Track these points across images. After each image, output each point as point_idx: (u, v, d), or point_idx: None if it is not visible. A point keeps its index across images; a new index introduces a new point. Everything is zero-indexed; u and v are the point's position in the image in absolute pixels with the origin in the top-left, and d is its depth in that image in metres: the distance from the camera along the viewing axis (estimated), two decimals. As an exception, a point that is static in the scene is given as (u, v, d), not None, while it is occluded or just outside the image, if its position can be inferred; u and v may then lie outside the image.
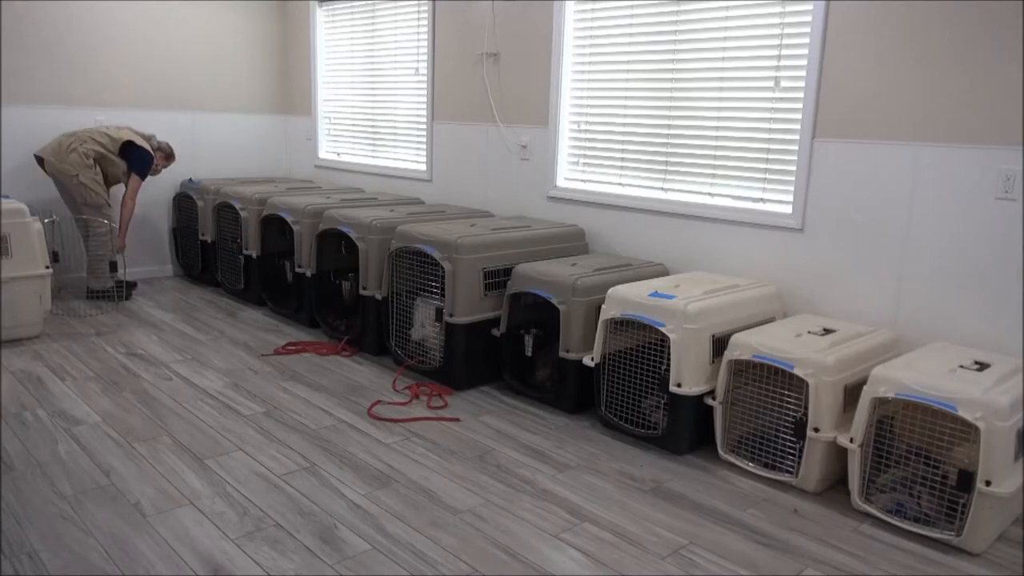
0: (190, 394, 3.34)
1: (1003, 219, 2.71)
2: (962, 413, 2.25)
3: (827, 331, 2.84)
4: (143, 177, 4.78)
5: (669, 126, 3.66)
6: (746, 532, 2.39)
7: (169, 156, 5.01)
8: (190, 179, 5.37)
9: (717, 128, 3.47)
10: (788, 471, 2.69)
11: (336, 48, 5.59)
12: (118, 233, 4.75)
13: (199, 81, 5.57)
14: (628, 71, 3.79)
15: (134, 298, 4.92)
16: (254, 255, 4.70)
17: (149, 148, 4.78)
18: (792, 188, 3.24)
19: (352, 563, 2.14)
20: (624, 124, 3.85)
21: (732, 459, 2.83)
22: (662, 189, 3.73)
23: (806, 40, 3.13)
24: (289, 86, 6.05)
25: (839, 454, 2.62)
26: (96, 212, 4.61)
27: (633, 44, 3.75)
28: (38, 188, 4.95)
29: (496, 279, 3.51)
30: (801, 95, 3.17)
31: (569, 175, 4.16)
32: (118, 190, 5.03)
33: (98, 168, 4.62)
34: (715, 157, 3.50)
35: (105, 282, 4.76)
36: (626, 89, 3.81)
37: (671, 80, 3.62)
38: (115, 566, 2.09)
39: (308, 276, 4.29)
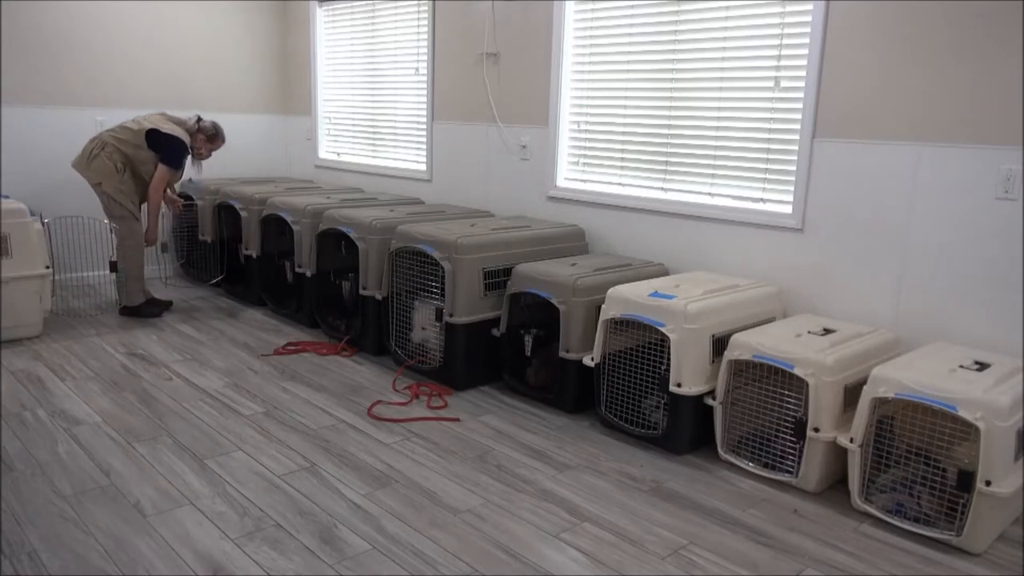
0: (190, 394, 3.34)
1: (1003, 219, 2.71)
2: (962, 413, 2.25)
3: (827, 331, 2.84)
4: (172, 167, 4.26)
5: (669, 126, 3.66)
6: (746, 532, 2.39)
7: (213, 137, 4.48)
8: (190, 179, 5.37)
9: (717, 128, 3.47)
10: (788, 471, 2.69)
11: (336, 48, 5.59)
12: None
13: (199, 81, 5.57)
14: (628, 71, 3.79)
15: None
16: (254, 255, 4.70)
17: (180, 133, 4.28)
18: (792, 188, 3.24)
19: (352, 563, 2.14)
20: (624, 124, 3.85)
21: (732, 459, 2.83)
22: (662, 189, 3.73)
23: (806, 40, 3.13)
24: (289, 86, 6.05)
25: (839, 454, 2.62)
26: (121, 224, 4.25)
27: (633, 44, 3.75)
28: (38, 188, 4.95)
29: (496, 279, 3.51)
30: (801, 95, 3.17)
31: (569, 175, 4.16)
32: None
33: (127, 173, 4.21)
34: (715, 157, 3.50)
35: (134, 298, 4.40)
36: (626, 89, 3.81)
37: (671, 80, 3.62)
38: (115, 566, 2.09)
39: (308, 276, 4.29)
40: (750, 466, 2.78)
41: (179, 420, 3.06)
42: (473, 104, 4.57)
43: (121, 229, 4.29)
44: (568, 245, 3.85)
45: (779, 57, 3.23)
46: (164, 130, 4.23)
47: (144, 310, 4.46)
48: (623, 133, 3.86)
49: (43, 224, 4.03)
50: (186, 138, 4.32)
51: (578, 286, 3.17)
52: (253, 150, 5.97)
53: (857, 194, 3.05)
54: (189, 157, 4.45)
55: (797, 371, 2.59)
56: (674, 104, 3.62)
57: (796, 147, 3.21)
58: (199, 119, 4.44)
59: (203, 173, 4.65)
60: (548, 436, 3.05)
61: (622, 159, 3.89)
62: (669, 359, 2.84)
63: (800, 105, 3.18)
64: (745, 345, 2.73)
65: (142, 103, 5.28)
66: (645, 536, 2.34)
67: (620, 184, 3.92)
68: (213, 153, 4.60)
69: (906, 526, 2.40)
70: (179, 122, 4.37)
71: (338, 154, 5.73)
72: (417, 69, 4.93)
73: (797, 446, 2.65)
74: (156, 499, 2.44)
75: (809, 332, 2.83)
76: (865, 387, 2.47)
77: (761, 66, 3.29)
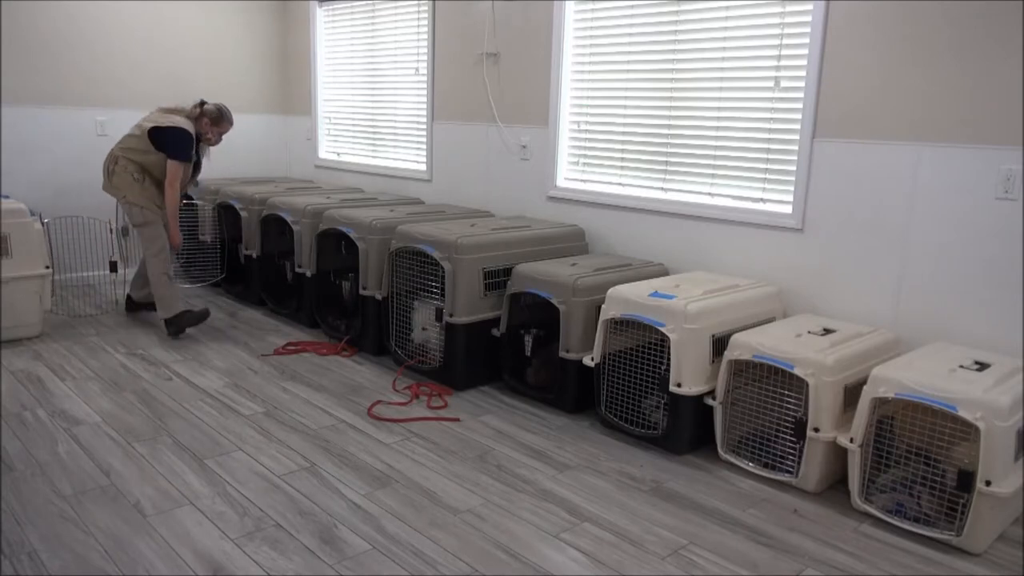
0: (190, 394, 3.33)
1: (1003, 219, 2.71)
2: (962, 413, 2.25)
3: (827, 331, 2.84)
4: (181, 159, 4.04)
5: (669, 126, 3.66)
6: (746, 532, 2.39)
7: (218, 120, 4.21)
8: (195, 183, 5.37)
9: (717, 128, 3.47)
10: (788, 471, 2.69)
11: (336, 48, 5.59)
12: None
13: (199, 81, 5.57)
14: (628, 71, 3.79)
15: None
16: (254, 255, 4.70)
17: (180, 122, 4.07)
18: (792, 188, 3.24)
19: (352, 563, 2.14)
20: (624, 124, 3.85)
21: (732, 459, 2.83)
22: (662, 189, 3.73)
23: (806, 40, 3.13)
24: (289, 86, 6.05)
25: (839, 454, 2.62)
26: (147, 230, 4.07)
27: (633, 44, 3.75)
28: (38, 188, 4.95)
29: (496, 279, 3.51)
30: (801, 95, 3.17)
31: (569, 175, 4.16)
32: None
33: (147, 181, 4.06)
34: (715, 157, 3.50)
35: (173, 306, 4.11)
36: (626, 89, 3.81)
37: (671, 80, 3.62)
38: (115, 566, 2.09)
39: (308, 276, 4.29)
40: (750, 466, 2.78)
41: (179, 420, 3.06)
42: (473, 104, 4.57)
43: (146, 236, 4.09)
44: (568, 245, 3.85)
45: (779, 57, 3.23)
46: (163, 124, 4.02)
47: (185, 319, 4.15)
48: (623, 133, 3.86)
49: (43, 224, 4.03)
50: (187, 125, 4.07)
51: (578, 286, 3.17)
52: (253, 150, 5.97)
53: (857, 194, 3.05)
54: (199, 145, 4.25)
55: (797, 371, 2.59)
56: (674, 104, 3.62)
57: (796, 147, 3.21)
58: (202, 103, 4.22)
59: (211, 160, 4.49)
60: (548, 436, 3.05)
61: (622, 159, 3.88)
62: (669, 359, 2.84)
63: (800, 105, 3.18)
64: (745, 345, 2.73)
65: (142, 103, 5.28)
66: (645, 536, 2.34)
67: (620, 184, 3.92)
68: (223, 137, 4.37)
69: (906, 526, 2.40)
70: (177, 110, 4.15)
71: (338, 154, 5.73)
72: (417, 69, 4.93)
73: (797, 446, 2.65)
74: (156, 499, 2.44)
75: (809, 332, 2.83)
76: (865, 387, 2.47)
77: (761, 66, 3.29)
